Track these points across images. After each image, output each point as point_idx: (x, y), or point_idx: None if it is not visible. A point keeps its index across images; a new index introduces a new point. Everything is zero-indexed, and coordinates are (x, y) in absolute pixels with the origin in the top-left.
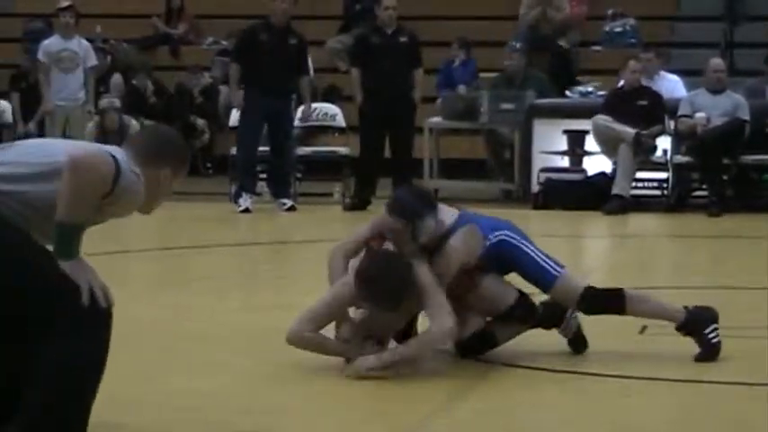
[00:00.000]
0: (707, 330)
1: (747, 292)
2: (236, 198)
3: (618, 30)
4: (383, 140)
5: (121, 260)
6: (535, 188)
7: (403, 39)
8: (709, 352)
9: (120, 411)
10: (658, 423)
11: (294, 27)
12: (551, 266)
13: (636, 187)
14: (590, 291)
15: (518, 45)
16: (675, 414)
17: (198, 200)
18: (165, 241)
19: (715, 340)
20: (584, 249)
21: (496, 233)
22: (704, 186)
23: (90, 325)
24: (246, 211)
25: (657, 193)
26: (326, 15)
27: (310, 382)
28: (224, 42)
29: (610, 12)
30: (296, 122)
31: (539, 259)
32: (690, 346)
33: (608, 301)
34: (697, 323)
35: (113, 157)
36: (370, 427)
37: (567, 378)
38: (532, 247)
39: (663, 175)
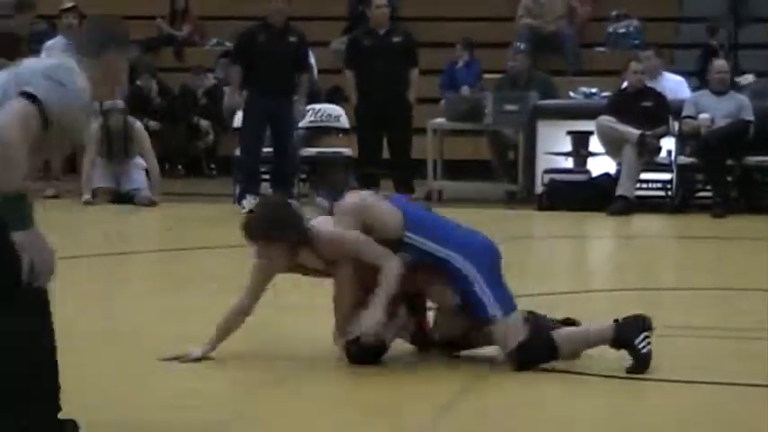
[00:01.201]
0: (637, 341)
1: (750, 293)
2: (239, 199)
3: (621, 31)
4: (380, 141)
5: (125, 261)
6: (539, 189)
7: (396, 39)
8: (641, 363)
9: (121, 411)
10: (658, 423)
11: (293, 26)
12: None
13: (640, 188)
14: (524, 345)
15: (522, 46)
16: (676, 414)
17: (202, 201)
18: (168, 242)
19: (645, 350)
20: (589, 250)
21: (442, 250)
22: (708, 187)
23: (22, 300)
24: (251, 212)
25: (661, 194)
26: (330, 16)
27: (312, 381)
28: (228, 44)
29: (613, 13)
30: (300, 123)
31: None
32: (693, 347)
33: (542, 352)
34: (627, 335)
35: (28, 95)
36: (373, 426)
37: (570, 378)
38: (480, 282)
39: (667, 176)
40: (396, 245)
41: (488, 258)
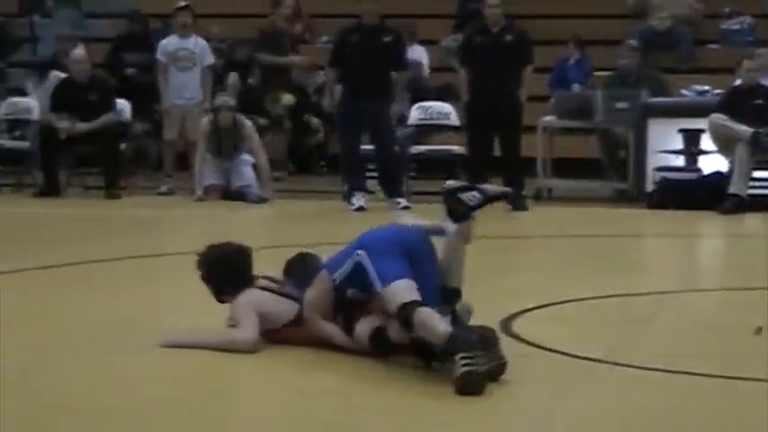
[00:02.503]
0: (458, 357)
1: None
2: (348, 197)
3: (734, 28)
4: (490, 140)
5: None
6: (649, 187)
7: (509, 37)
8: (456, 383)
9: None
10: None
11: (388, 25)
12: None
13: (752, 186)
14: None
15: (634, 43)
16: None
17: (313, 198)
18: (279, 239)
19: (462, 370)
20: (699, 249)
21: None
22: None
23: None
24: (361, 209)
25: None
26: (440, 14)
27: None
28: None
29: (726, 10)
30: (409, 121)
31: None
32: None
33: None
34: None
35: None
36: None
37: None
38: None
39: None
40: (335, 295)
41: (380, 243)
